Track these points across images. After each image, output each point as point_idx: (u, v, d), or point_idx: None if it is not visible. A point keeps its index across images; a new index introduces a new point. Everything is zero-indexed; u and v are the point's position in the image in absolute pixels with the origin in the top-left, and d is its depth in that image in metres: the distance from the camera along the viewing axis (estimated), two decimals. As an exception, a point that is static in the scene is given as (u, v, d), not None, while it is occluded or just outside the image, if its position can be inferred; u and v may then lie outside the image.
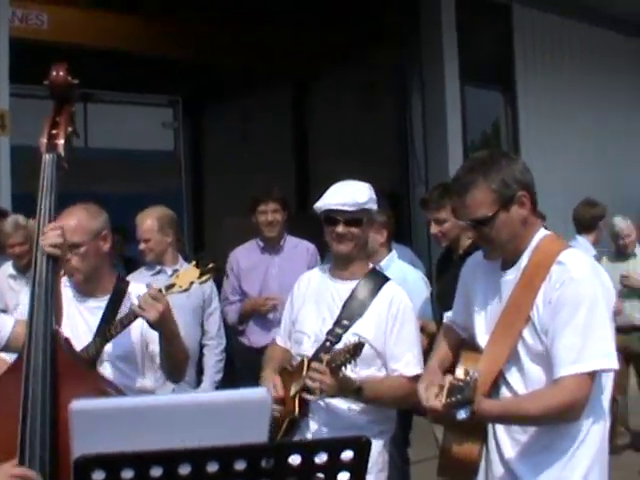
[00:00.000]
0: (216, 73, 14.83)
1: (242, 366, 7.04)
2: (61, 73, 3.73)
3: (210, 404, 2.10)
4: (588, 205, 8.47)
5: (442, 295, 5.61)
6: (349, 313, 4.28)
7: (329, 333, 4.27)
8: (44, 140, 3.69)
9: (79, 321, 4.16)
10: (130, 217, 6.54)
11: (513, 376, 3.40)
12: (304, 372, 4.18)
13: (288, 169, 14.86)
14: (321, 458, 2.04)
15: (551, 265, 3.34)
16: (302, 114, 15.87)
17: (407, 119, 12.95)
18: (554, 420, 3.30)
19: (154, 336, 4.00)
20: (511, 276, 3.46)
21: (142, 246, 6.35)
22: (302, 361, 4.27)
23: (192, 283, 3.92)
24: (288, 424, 4.27)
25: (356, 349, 3.95)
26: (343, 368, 3.99)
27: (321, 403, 4.24)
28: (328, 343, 4.25)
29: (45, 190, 3.57)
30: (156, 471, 1.92)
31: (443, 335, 3.96)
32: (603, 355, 3.25)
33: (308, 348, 4.32)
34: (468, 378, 3.08)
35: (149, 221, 6.33)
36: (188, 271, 3.97)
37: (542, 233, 3.50)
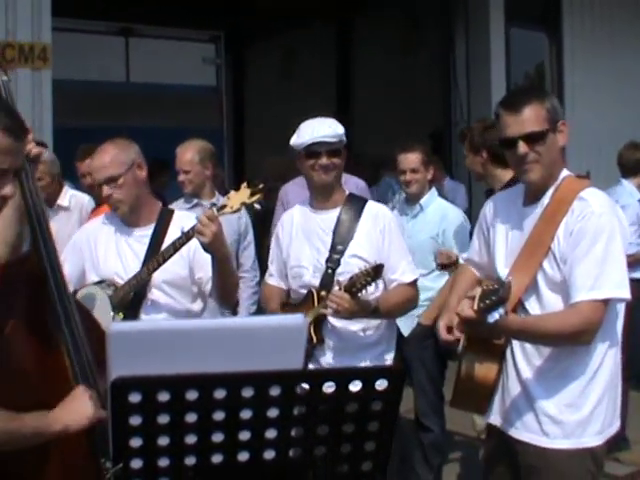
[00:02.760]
0: (259, 8, 14.72)
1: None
2: None
3: (247, 329, 2.11)
4: (632, 148, 8.32)
5: None
6: (341, 238, 4.53)
7: (328, 260, 4.51)
8: None
9: (127, 250, 4.34)
10: (171, 152, 6.55)
11: (531, 304, 3.60)
12: (315, 303, 4.45)
13: (331, 107, 14.77)
14: (355, 386, 2.05)
15: (573, 201, 3.55)
16: (345, 51, 15.75)
17: (451, 58, 12.82)
18: (568, 340, 3.52)
19: (201, 263, 4.16)
20: (534, 211, 3.66)
21: (181, 177, 6.37)
22: (310, 292, 4.52)
23: (243, 203, 3.94)
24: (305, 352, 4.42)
25: (376, 271, 4.20)
26: (364, 291, 4.23)
27: (330, 327, 4.49)
28: (329, 270, 4.50)
29: None
30: (192, 394, 1.94)
31: (460, 274, 4.19)
32: (617, 285, 3.47)
33: (310, 279, 4.56)
34: (503, 279, 3.26)
35: (189, 153, 6.35)
36: (239, 192, 3.97)
37: (565, 172, 3.70)
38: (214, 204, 6.27)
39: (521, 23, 12.87)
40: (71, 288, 4.06)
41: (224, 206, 3.93)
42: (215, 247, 3.88)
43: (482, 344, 3.63)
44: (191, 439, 2.01)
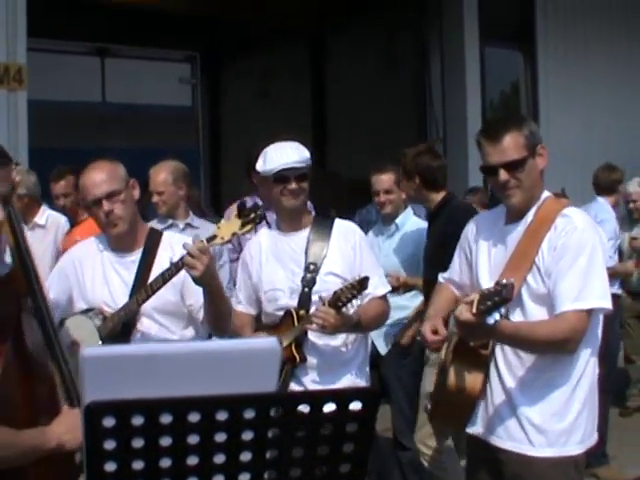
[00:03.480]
0: (234, 29, 14.76)
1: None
2: None
3: (220, 352, 2.10)
4: (608, 170, 8.47)
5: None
6: (314, 257, 4.58)
7: (303, 280, 4.56)
8: None
9: (114, 277, 4.19)
10: (147, 172, 6.55)
11: (516, 316, 3.73)
12: (295, 322, 4.50)
13: (306, 127, 14.81)
14: (329, 408, 2.05)
15: (555, 218, 3.72)
16: (320, 72, 15.80)
17: (426, 78, 12.88)
18: (555, 348, 3.68)
19: (191, 291, 4.01)
20: (517, 229, 3.81)
21: (155, 198, 6.37)
22: (288, 313, 4.55)
23: (234, 234, 3.84)
24: (287, 372, 4.53)
25: (362, 284, 4.29)
26: (349, 305, 4.33)
27: (310, 345, 4.54)
28: (306, 289, 4.55)
29: None
30: (166, 418, 1.93)
31: (440, 291, 4.27)
32: (601, 296, 3.66)
33: (287, 301, 4.59)
34: (504, 282, 3.35)
35: (163, 174, 6.38)
36: (229, 222, 3.87)
37: (546, 193, 3.88)
38: (189, 224, 6.29)
39: (496, 42, 12.94)
40: (57, 315, 4.02)
41: (214, 236, 3.81)
42: (206, 280, 3.77)
43: (468, 355, 3.80)
44: (166, 463, 1.99)
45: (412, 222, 6.34)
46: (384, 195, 6.28)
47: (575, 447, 3.74)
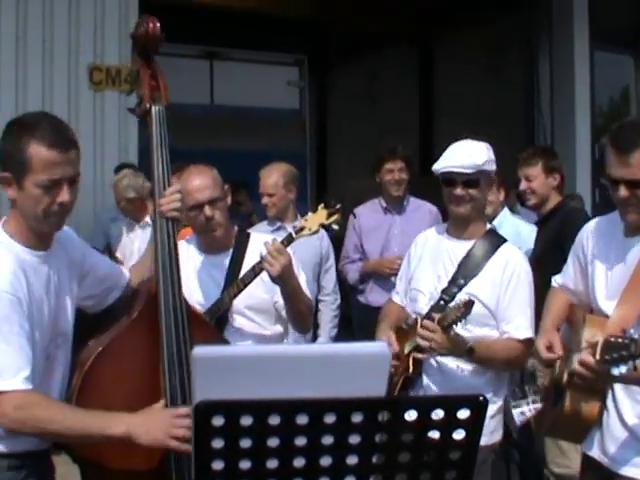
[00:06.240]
0: (342, 33, 14.80)
1: (359, 324, 7.07)
2: (157, 25, 3.77)
3: (331, 356, 2.11)
4: None
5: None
6: (464, 272, 4.26)
7: (444, 291, 4.26)
8: (146, 92, 3.65)
9: (205, 277, 4.29)
10: (253, 174, 6.59)
11: None
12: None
13: (413, 130, 14.76)
14: (437, 415, 2.04)
15: None
16: (428, 75, 15.73)
17: (534, 82, 12.71)
18: None
19: (278, 289, 4.10)
20: (638, 243, 3.54)
21: (265, 200, 6.38)
22: (416, 319, 4.23)
23: (322, 225, 3.92)
24: (403, 382, 4.29)
25: (467, 307, 3.94)
26: (454, 326, 3.98)
27: (433, 362, 4.25)
28: (442, 301, 4.24)
29: (160, 143, 3.58)
30: (274, 419, 1.95)
31: (553, 297, 4.07)
32: None
33: (423, 306, 4.31)
34: (632, 334, 3.21)
35: (275, 176, 6.36)
36: (316, 214, 3.95)
37: None
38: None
39: (606, 46, 12.73)
40: None
41: (302, 228, 3.94)
42: (283, 279, 3.90)
43: None
44: (272, 464, 2.01)
45: (509, 223, 6.27)
46: None
47: None
